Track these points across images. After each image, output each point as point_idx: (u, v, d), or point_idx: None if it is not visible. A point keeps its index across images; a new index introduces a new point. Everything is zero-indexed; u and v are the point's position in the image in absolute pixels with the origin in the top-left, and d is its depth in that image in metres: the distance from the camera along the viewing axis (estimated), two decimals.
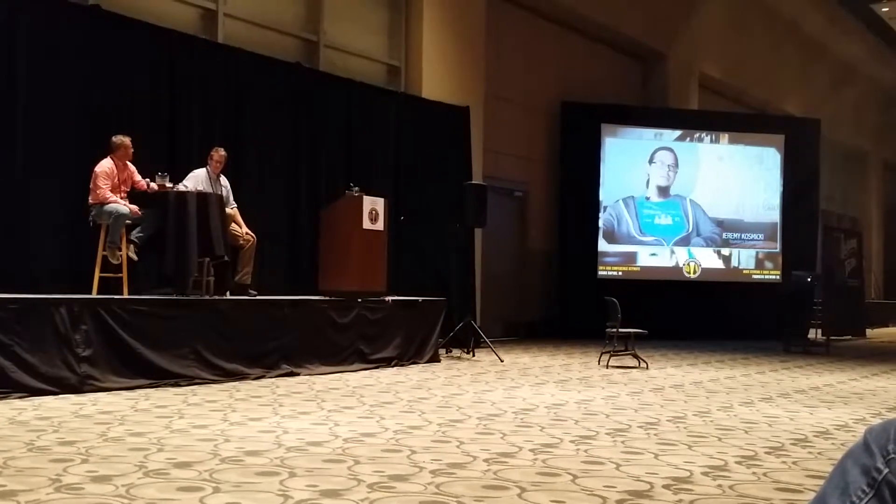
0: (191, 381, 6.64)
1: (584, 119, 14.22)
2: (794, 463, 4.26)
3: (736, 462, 4.22)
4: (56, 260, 7.35)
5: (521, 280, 13.61)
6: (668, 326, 12.26)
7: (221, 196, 7.64)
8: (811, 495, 1.31)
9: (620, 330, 9.04)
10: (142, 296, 6.93)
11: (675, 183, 14.88)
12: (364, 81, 10.53)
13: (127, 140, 7.09)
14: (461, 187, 10.22)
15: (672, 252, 14.78)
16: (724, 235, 15.14)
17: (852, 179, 24.55)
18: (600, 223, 14.29)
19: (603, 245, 14.28)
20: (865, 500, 1.07)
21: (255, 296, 7.76)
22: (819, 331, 13.24)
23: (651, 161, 14.80)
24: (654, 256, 14.66)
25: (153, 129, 8.12)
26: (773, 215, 15.46)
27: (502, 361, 9.31)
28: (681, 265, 14.80)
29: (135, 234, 7.09)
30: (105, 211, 6.93)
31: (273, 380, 7.13)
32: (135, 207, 7.03)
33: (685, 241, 14.86)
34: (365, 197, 8.41)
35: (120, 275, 6.96)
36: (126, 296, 6.82)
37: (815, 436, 5.10)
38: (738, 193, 15.28)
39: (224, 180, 7.94)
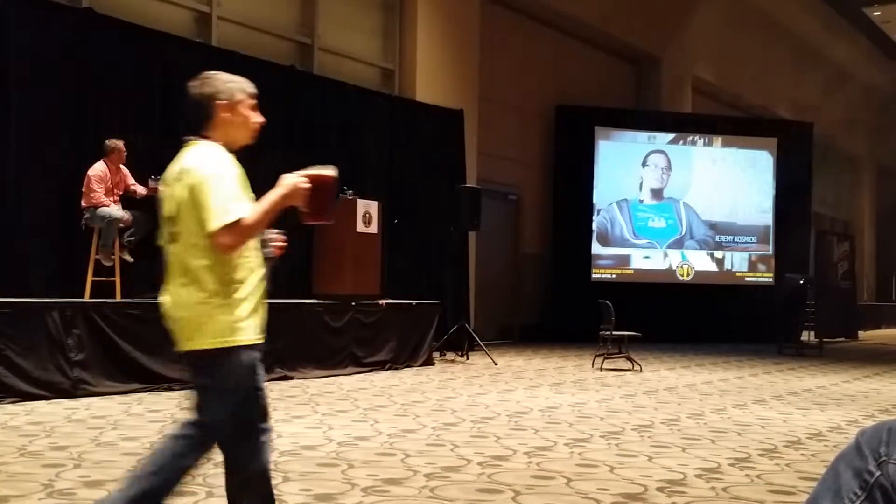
0: (184, 385, 6.62)
1: (578, 122, 14.24)
2: (787, 465, 4.27)
3: (729, 464, 4.22)
4: (48, 264, 7.32)
5: (515, 283, 13.61)
6: (661, 329, 12.28)
7: None
8: (804, 497, 1.31)
9: (614, 332, 9.05)
10: (134, 300, 6.90)
11: (669, 186, 14.92)
12: (358, 84, 10.52)
13: (120, 143, 7.08)
14: (455, 190, 10.23)
15: (665, 255, 14.81)
16: (717, 238, 15.18)
17: (845, 183, 24.64)
18: (594, 226, 14.31)
19: (596, 248, 14.30)
20: (857, 503, 1.07)
21: None
22: (812, 333, 13.28)
23: (644, 164, 14.83)
24: (647, 259, 14.68)
25: (146, 132, 8.10)
26: (766, 218, 15.51)
27: (496, 364, 9.31)
28: (674, 268, 14.83)
29: (126, 237, 7.07)
30: (98, 214, 6.92)
31: (266, 383, 7.11)
32: (126, 215, 7.01)
33: (678, 244, 14.89)
34: (359, 200, 8.42)
35: (112, 279, 6.94)
36: (119, 300, 6.80)
37: (808, 438, 5.11)
38: (732, 196, 15.33)
39: None
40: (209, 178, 2.46)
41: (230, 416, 2.48)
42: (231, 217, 2.41)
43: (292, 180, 2.55)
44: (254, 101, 2.67)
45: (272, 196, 2.51)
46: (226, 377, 2.46)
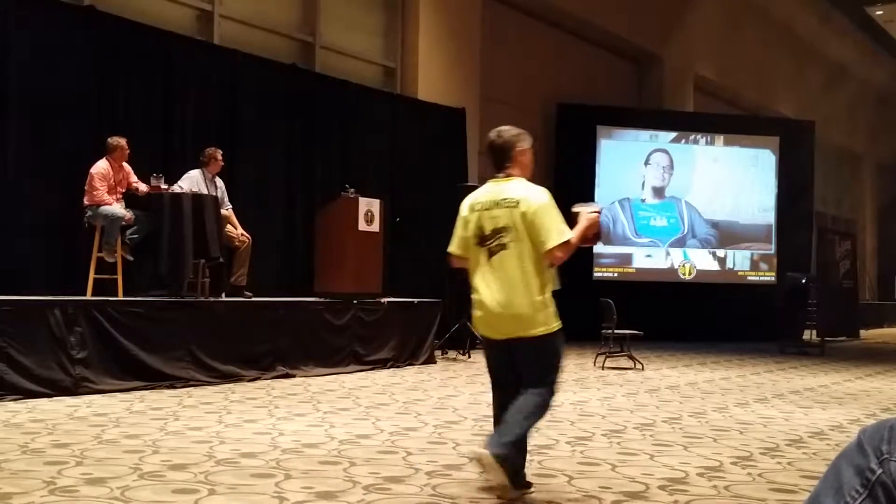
0: (186, 382, 6.63)
1: (580, 121, 14.23)
2: (788, 463, 4.27)
3: (731, 463, 4.22)
4: (50, 261, 7.33)
5: None
6: (663, 328, 12.27)
7: (217, 197, 7.63)
8: (806, 496, 1.31)
9: (616, 331, 9.05)
10: (137, 297, 6.91)
11: (671, 184, 14.91)
12: (360, 83, 10.53)
13: (123, 141, 7.08)
14: (457, 189, 10.21)
15: (667, 253, 14.80)
16: (719, 237, 15.16)
17: (846, 181, 24.61)
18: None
19: (598, 246, 14.29)
20: (859, 501, 1.07)
21: (250, 297, 7.75)
22: (814, 332, 13.27)
23: (646, 163, 14.82)
24: (649, 258, 14.68)
25: (148, 130, 8.11)
26: (768, 217, 15.49)
27: None
28: (676, 267, 14.82)
29: (128, 235, 7.07)
30: (100, 213, 6.92)
31: (268, 381, 7.13)
32: (129, 213, 7.01)
33: (680, 243, 14.88)
34: (360, 198, 8.41)
35: (115, 276, 6.94)
36: (121, 297, 6.81)
37: (809, 436, 5.11)
38: (734, 195, 15.31)
39: (219, 181, 7.92)
40: (545, 207, 3.38)
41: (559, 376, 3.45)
42: (565, 237, 3.32)
43: (591, 215, 3.45)
44: (533, 150, 3.56)
45: (581, 226, 3.42)
46: (554, 352, 3.43)
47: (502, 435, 3.22)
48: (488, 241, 3.38)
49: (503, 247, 3.35)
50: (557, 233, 3.30)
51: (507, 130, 3.51)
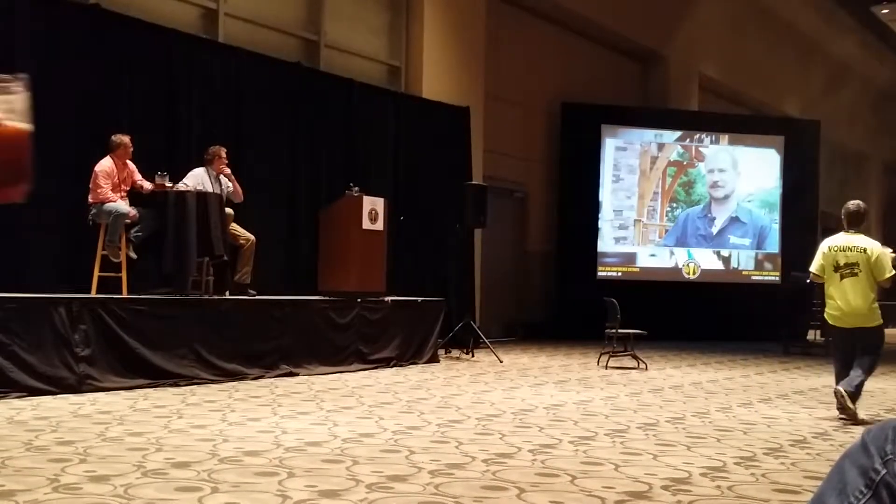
0: (190, 380, 6.64)
1: (585, 120, 14.22)
2: (792, 464, 4.27)
3: (734, 463, 4.22)
4: (55, 259, 7.34)
5: (520, 280, 13.61)
6: (667, 327, 12.25)
7: (221, 196, 7.63)
8: (809, 496, 1.30)
9: (620, 331, 9.04)
10: (141, 295, 6.92)
11: None
12: (364, 81, 10.52)
13: (126, 139, 7.09)
14: (461, 188, 10.22)
15: (671, 253, 14.78)
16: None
17: (851, 180, 24.53)
18: (600, 224, 14.29)
19: (602, 246, 14.28)
20: (863, 501, 1.07)
21: (254, 296, 7.75)
22: (818, 332, 13.24)
23: None
24: (653, 257, 14.66)
25: (153, 128, 8.12)
26: (773, 216, 15.46)
27: (501, 362, 9.31)
28: (680, 266, 14.80)
29: (133, 232, 7.08)
30: (105, 210, 6.93)
31: (272, 380, 7.14)
32: (133, 211, 7.03)
33: (685, 242, 14.86)
34: (364, 197, 8.42)
35: (119, 274, 6.95)
36: (125, 295, 6.82)
37: (813, 437, 5.10)
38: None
39: (223, 179, 7.93)
40: (883, 254, 5.74)
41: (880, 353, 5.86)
42: (894, 272, 5.74)
43: (894, 255, 5.97)
44: None
45: (890, 263, 5.77)
46: (881, 337, 5.83)
47: (852, 381, 5.62)
48: (841, 269, 5.74)
49: (854, 274, 5.70)
50: (889, 270, 5.72)
51: (863, 204, 5.90)
